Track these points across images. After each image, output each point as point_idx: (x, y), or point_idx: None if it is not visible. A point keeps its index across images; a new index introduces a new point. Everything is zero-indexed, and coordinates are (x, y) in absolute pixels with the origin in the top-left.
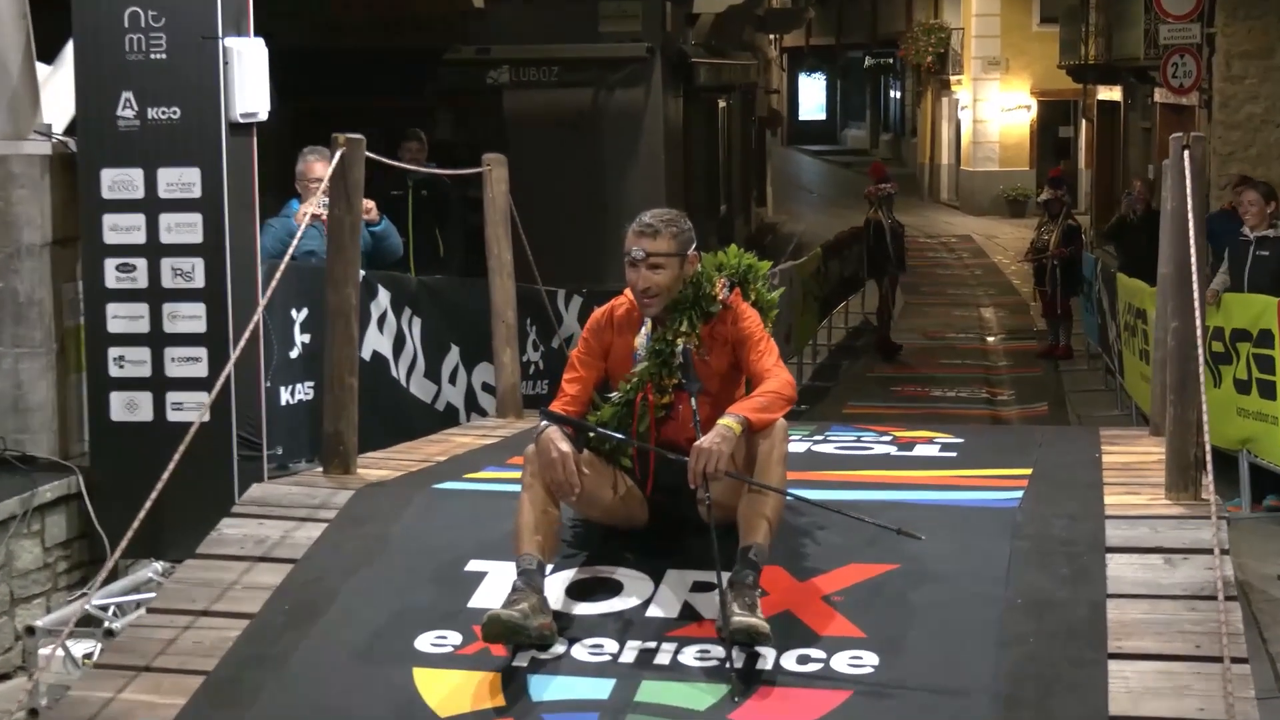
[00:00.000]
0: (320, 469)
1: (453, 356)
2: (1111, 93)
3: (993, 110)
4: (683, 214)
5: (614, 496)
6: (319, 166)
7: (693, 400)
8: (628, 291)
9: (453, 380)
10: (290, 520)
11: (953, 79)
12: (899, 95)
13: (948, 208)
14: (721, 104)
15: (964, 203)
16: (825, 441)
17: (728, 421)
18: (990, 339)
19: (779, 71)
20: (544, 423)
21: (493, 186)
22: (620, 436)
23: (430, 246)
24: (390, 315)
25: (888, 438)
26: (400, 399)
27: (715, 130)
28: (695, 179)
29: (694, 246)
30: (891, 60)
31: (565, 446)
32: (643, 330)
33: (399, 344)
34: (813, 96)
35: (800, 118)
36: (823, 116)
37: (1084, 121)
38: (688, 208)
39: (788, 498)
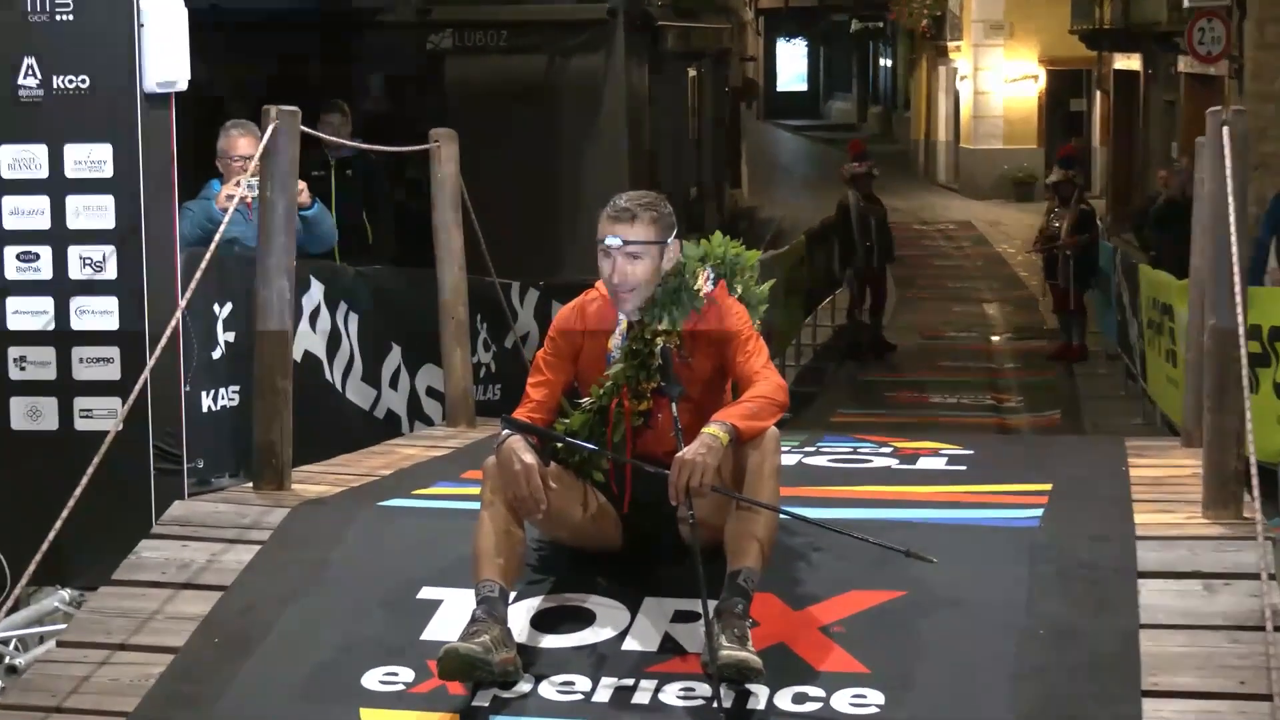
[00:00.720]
0: (249, 484)
1: (394, 357)
2: (1130, 61)
3: (996, 81)
4: (662, 197)
5: (585, 515)
6: (244, 143)
7: (673, 406)
8: (600, 285)
9: (394, 384)
10: (218, 542)
11: (951, 45)
12: (890, 64)
13: (945, 190)
14: (691, 73)
15: (964, 185)
16: (818, 453)
17: (713, 430)
18: (995, 338)
19: (755, 36)
20: (505, 431)
21: (442, 165)
22: (592, 447)
23: (357, 234)
24: (324, 311)
25: (888, 449)
26: (335, 405)
27: (684, 103)
28: (662, 158)
29: (675, 233)
30: (881, 24)
31: (530, 458)
32: (618, 329)
33: (334, 343)
34: (793, 65)
35: (779, 88)
36: (804, 87)
37: (1098, 94)
38: (653, 189)
39: (781, 516)
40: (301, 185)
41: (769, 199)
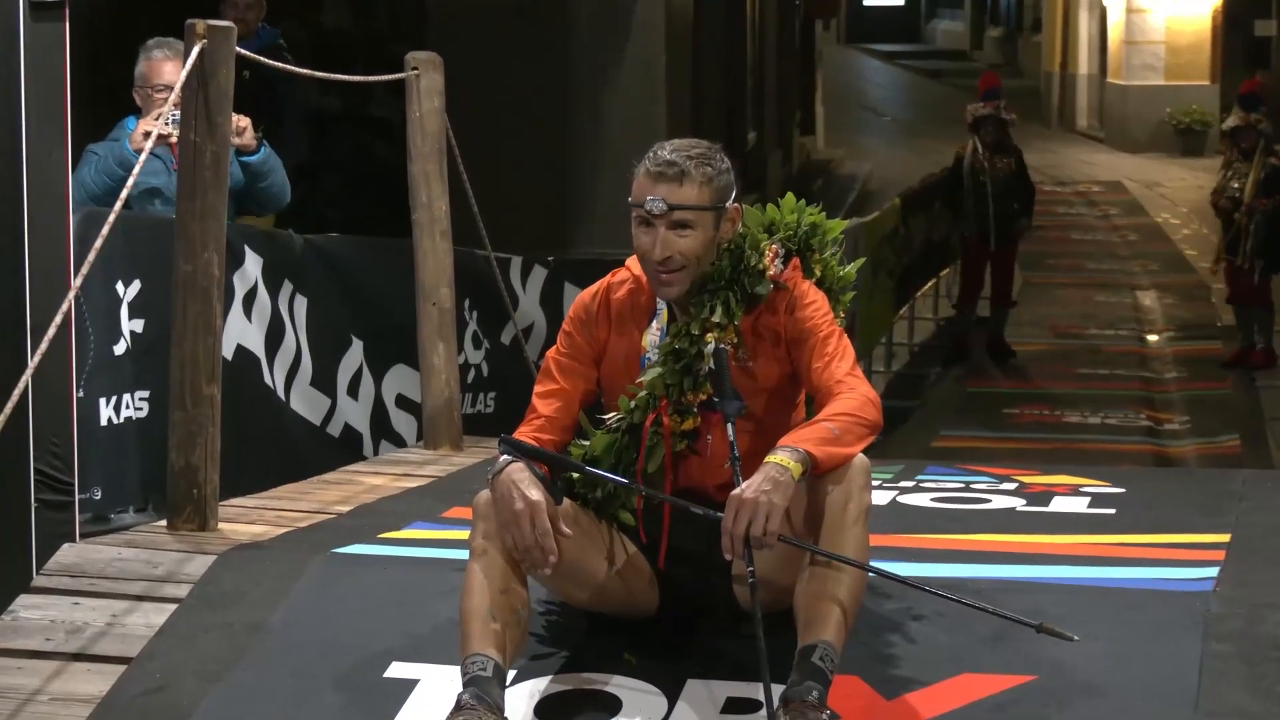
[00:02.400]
0: (162, 522)
1: (354, 355)
2: None
3: None
4: (717, 147)
5: (609, 569)
6: (169, 68)
7: (729, 427)
8: (632, 263)
9: (354, 391)
10: (120, 599)
11: None
12: None
13: (1087, 140)
14: None
15: (1111, 133)
16: (918, 490)
17: (781, 459)
18: (1152, 338)
19: None
20: (504, 458)
21: (421, 101)
22: (620, 480)
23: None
24: (263, 292)
25: (1010, 485)
26: (277, 419)
27: (740, 22)
28: (709, 96)
29: (734, 196)
30: None
31: (536, 494)
32: (654, 321)
33: (275, 336)
34: None
35: (866, 3)
36: (900, 1)
37: None
38: (698, 137)
39: (869, 574)
40: (244, 122)
41: (852, 149)
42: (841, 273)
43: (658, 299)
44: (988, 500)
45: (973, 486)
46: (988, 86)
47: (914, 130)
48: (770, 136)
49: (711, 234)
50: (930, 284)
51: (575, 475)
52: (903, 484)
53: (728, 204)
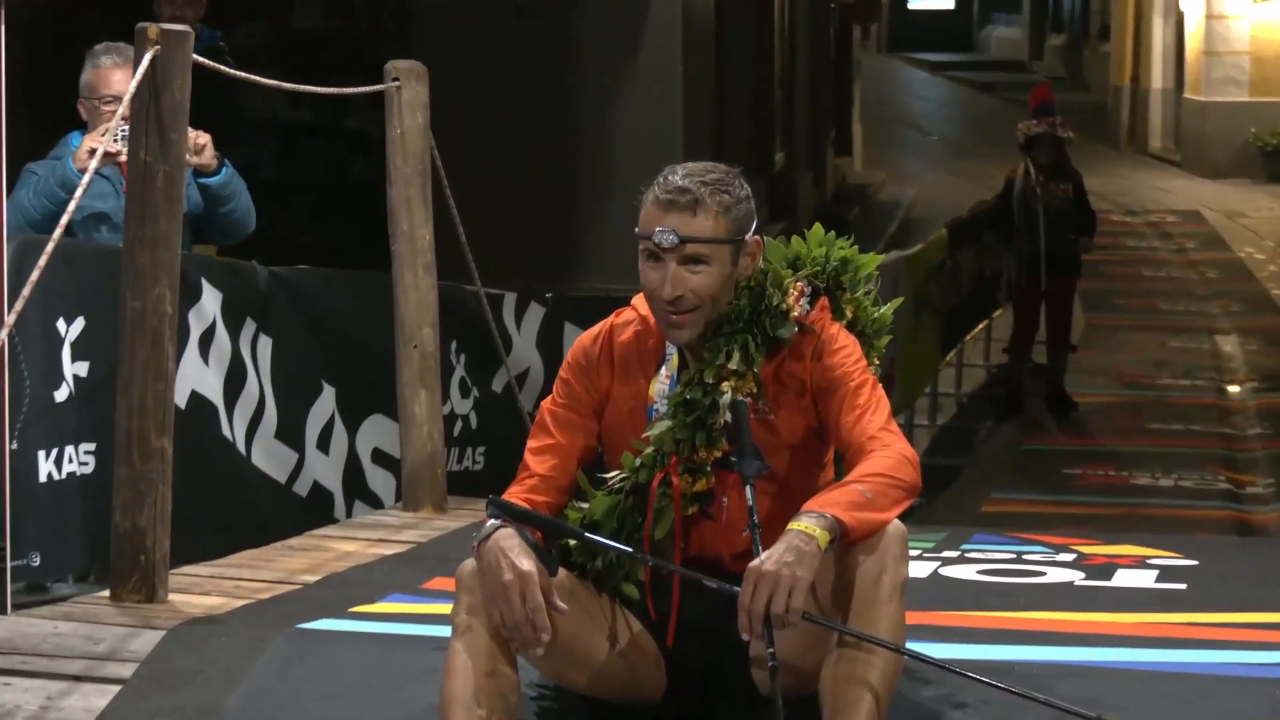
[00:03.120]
0: (105, 592)
1: (325, 404)
2: None
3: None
4: (736, 173)
5: (611, 650)
6: (119, 77)
7: (748, 489)
8: (638, 302)
9: (325, 444)
10: (57, 679)
11: None
12: None
13: (1160, 163)
14: None
15: (1188, 156)
16: (962, 560)
17: (806, 526)
18: (1233, 389)
19: None
20: (492, 522)
21: (402, 116)
22: (623, 549)
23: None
24: (222, 332)
25: (1068, 555)
26: (236, 476)
27: (768, 28)
28: (733, 111)
29: (755, 227)
30: None
31: (527, 564)
32: (664, 368)
33: (235, 382)
34: None
35: (912, 6)
36: (949, 4)
37: None
38: (720, 158)
39: (905, 657)
40: (204, 139)
41: (894, 172)
42: (876, 314)
43: (667, 343)
44: (1042, 573)
45: (1025, 557)
46: (1040, 101)
47: (964, 151)
48: (801, 157)
49: (728, 270)
50: (981, 326)
51: (572, 542)
52: (945, 554)
53: (747, 236)
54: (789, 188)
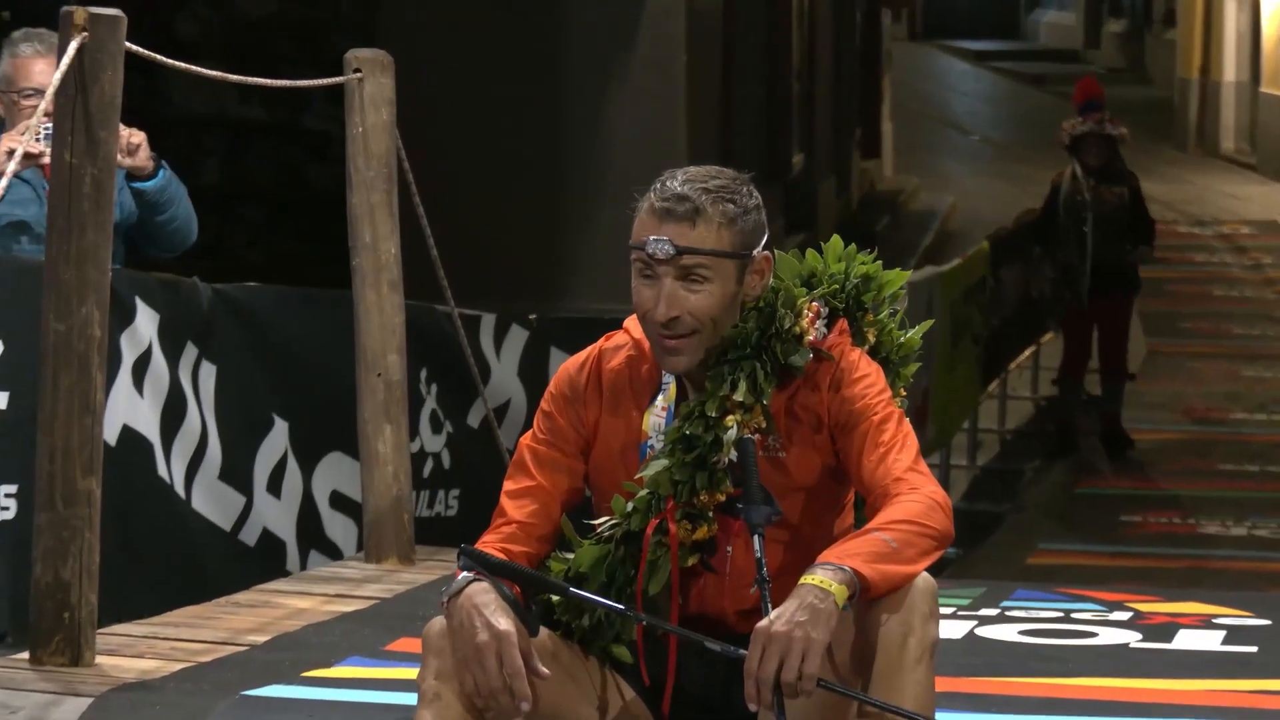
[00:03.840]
0: (24, 654)
1: (277, 440)
2: None
3: None
4: (745, 179)
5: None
6: (39, 67)
7: (755, 539)
8: (631, 324)
9: (275, 487)
10: None
11: None
12: None
13: (1233, 167)
14: None
15: (1265, 158)
16: (1002, 619)
17: (822, 581)
18: None
19: None
20: (465, 575)
21: (364, 112)
22: (613, 606)
23: None
24: (159, 358)
25: (1123, 614)
26: (174, 522)
27: (785, 12)
28: (743, 107)
29: (765, 241)
30: None
31: (505, 623)
32: (660, 398)
33: (173, 415)
34: None
35: None
36: None
37: None
38: (729, 161)
39: None
40: (138, 138)
41: (929, 177)
42: (903, 338)
43: (665, 370)
44: (1094, 634)
45: (1075, 616)
46: (1086, 95)
47: (1010, 153)
48: (822, 161)
49: (732, 290)
50: (1027, 353)
51: (555, 598)
52: (983, 612)
53: (755, 251)
54: (808, 195)
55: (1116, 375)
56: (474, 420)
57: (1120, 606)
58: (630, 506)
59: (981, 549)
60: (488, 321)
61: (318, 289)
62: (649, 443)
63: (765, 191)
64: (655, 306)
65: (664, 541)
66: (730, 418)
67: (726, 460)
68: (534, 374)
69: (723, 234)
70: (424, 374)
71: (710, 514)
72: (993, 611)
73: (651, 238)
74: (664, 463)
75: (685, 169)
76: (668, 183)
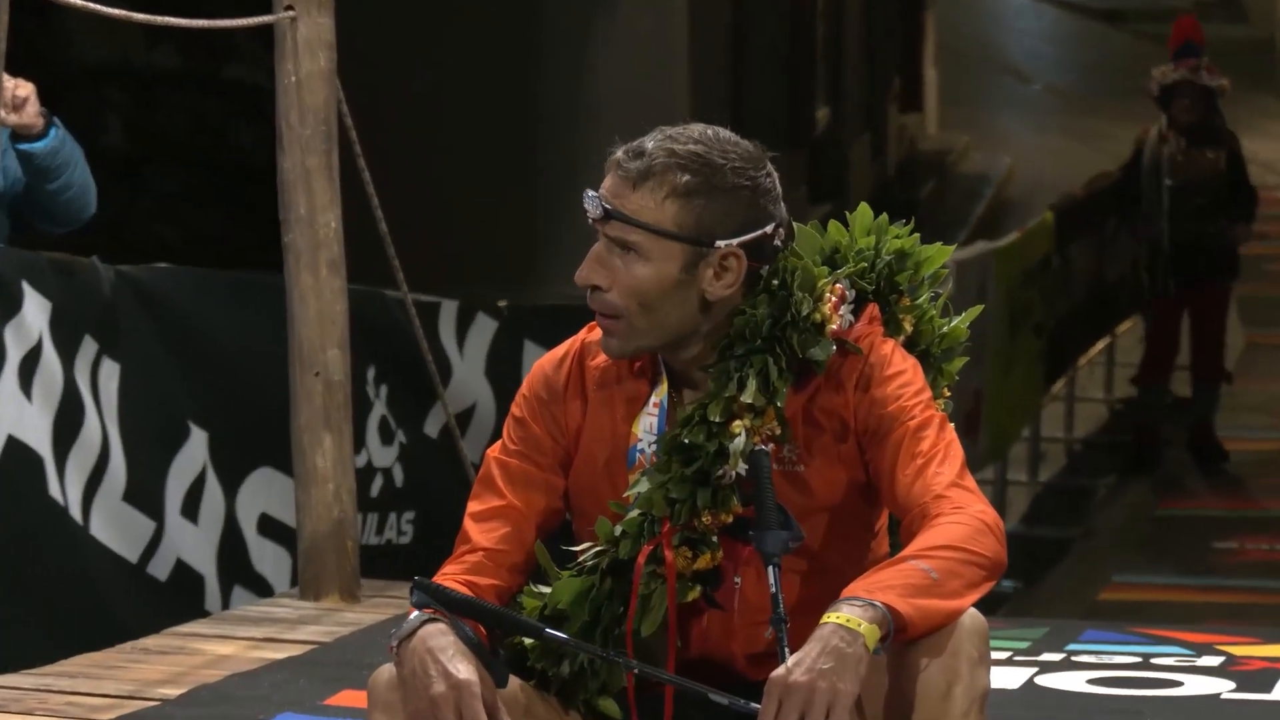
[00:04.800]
0: None
1: (194, 454)
2: None
3: None
4: (754, 155)
5: None
6: None
7: (770, 571)
8: None
9: (192, 510)
10: None
11: None
12: None
13: None
14: None
15: None
16: (1068, 665)
17: (848, 619)
18: None
19: None
20: (418, 614)
21: (297, 58)
22: (597, 652)
23: None
24: (50, 355)
25: (1214, 658)
26: (68, 550)
27: None
28: (757, 54)
29: (743, 233)
30: None
31: (465, 671)
32: (652, 398)
33: (68, 424)
34: None
35: None
36: None
37: None
38: (741, 118)
39: None
40: (25, 90)
41: (982, 134)
42: (946, 328)
43: (661, 363)
44: (1178, 682)
45: (1155, 661)
46: (1184, 37)
47: (1079, 105)
48: (853, 116)
49: (675, 277)
50: (1100, 346)
51: (529, 641)
52: (1045, 657)
53: (720, 243)
54: (836, 157)
55: (1209, 374)
56: (432, 429)
57: (1210, 650)
58: (618, 530)
59: (1044, 582)
60: (448, 310)
61: (243, 271)
62: (638, 446)
63: (786, 155)
64: (582, 277)
65: (659, 572)
66: (737, 423)
67: (734, 474)
68: (504, 373)
69: (666, 207)
70: (371, 373)
71: (714, 538)
72: (1056, 656)
73: (589, 191)
74: (659, 477)
75: (689, 125)
76: (644, 138)
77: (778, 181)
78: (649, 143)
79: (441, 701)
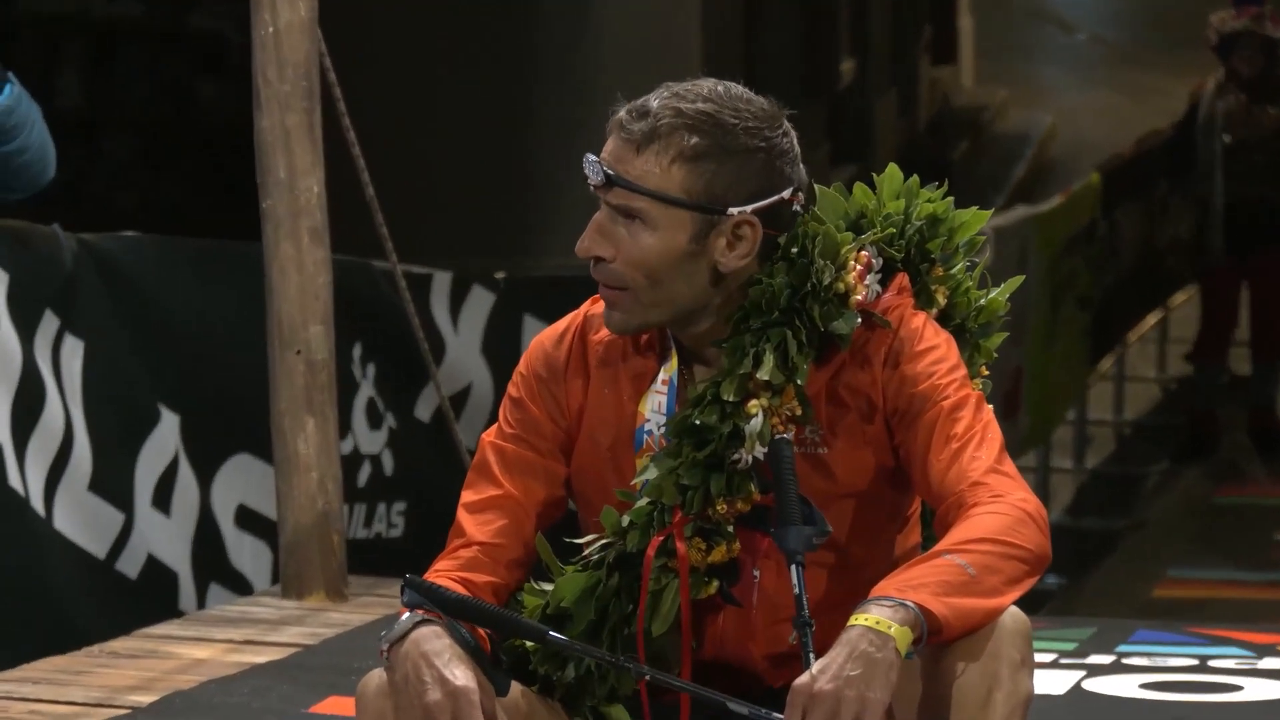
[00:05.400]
0: None
1: (164, 439)
2: None
3: None
4: (769, 112)
5: None
6: None
7: (794, 570)
8: None
9: (163, 500)
10: None
11: None
12: None
13: None
14: None
15: None
16: (1119, 668)
17: (877, 621)
18: None
19: None
20: (409, 615)
21: (275, 7)
22: (604, 656)
23: None
24: (8, 331)
25: (1277, 660)
26: (29, 546)
27: None
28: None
29: (758, 198)
30: None
31: (462, 677)
32: (660, 375)
33: (28, 408)
34: None
35: None
36: None
37: None
38: (754, 74)
39: None
40: None
41: (1021, 88)
42: (984, 300)
43: (671, 338)
44: (1238, 686)
45: (1212, 664)
46: None
47: (1128, 56)
48: (879, 68)
49: (684, 248)
50: (1153, 321)
51: (528, 644)
52: (1093, 659)
53: (733, 210)
54: (861, 114)
55: (1270, 351)
56: (424, 412)
57: (1272, 651)
58: (626, 520)
59: (1091, 578)
60: (441, 282)
61: (216, 240)
62: (645, 427)
63: (806, 111)
64: (583, 248)
65: (670, 566)
66: (754, 403)
67: (750, 458)
68: (502, 350)
69: (673, 172)
70: (358, 351)
71: (730, 528)
72: (1106, 659)
73: (590, 156)
74: (668, 463)
75: (696, 81)
76: (655, 92)
77: (796, 142)
78: (654, 101)
79: (437, 710)
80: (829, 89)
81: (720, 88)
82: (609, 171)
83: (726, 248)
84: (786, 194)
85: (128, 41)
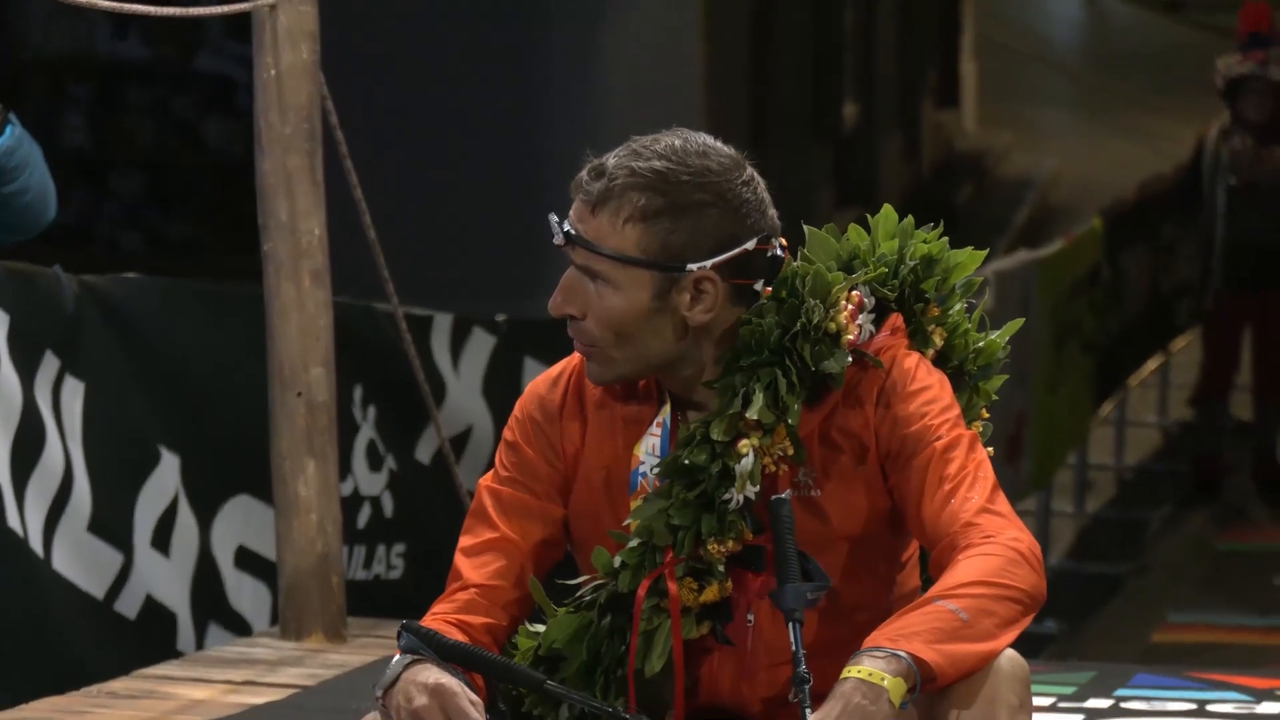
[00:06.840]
0: None
1: (165, 480)
2: None
3: None
4: (730, 163)
5: None
6: None
7: (792, 629)
8: None
9: (163, 542)
10: None
11: None
12: None
13: None
14: None
15: None
16: (1118, 713)
17: (870, 672)
18: None
19: None
20: (401, 658)
21: (278, 50)
22: (603, 707)
23: None
24: (9, 373)
25: (1277, 705)
26: (28, 586)
27: None
28: (781, 44)
29: (719, 252)
30: None
31: (445, 679)
32: (656, 419)
33: (28, 448)
34: None
35: None
36: None
37: None
38: (760, 117)
39: None
40: None
41: (1025, 132)
42: (982, 341)
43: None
44: None
45: (1211, 708)
46: (1253, 25)
47: (1132, 102)
48: (884, 112)
49: (647, 305)
50: (1155, 365)
51: (522, 690)
52: (1093, 703)
53: (692, 265)
54: (865, 158)
55: (1273, 394)
56: (424, 454)
57: (1272, 696)
58: (617, 561)
59: (1092, 622)
60: (442, 324)
61: (216, 282)
62: (640, 470)
63: (811, 152)
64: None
65: (662, 606)
66: (745, 442)
67: (740, 498)
68: (502, 393)
69: (628, 231)
70: (358, 393)
71: (722, 568)
72: (1105, 703)
73: (552, 216)
74: (659, 503)
75: (658, 135)
76: (618, 148)
77: (762, 190)
78: (610, 160)
79: (426, 714)
80: (834, 133)
81: (679, 141)
82: (569, 231)
83: (690, 303)
84: (751, 245)
85: (134, 81)
